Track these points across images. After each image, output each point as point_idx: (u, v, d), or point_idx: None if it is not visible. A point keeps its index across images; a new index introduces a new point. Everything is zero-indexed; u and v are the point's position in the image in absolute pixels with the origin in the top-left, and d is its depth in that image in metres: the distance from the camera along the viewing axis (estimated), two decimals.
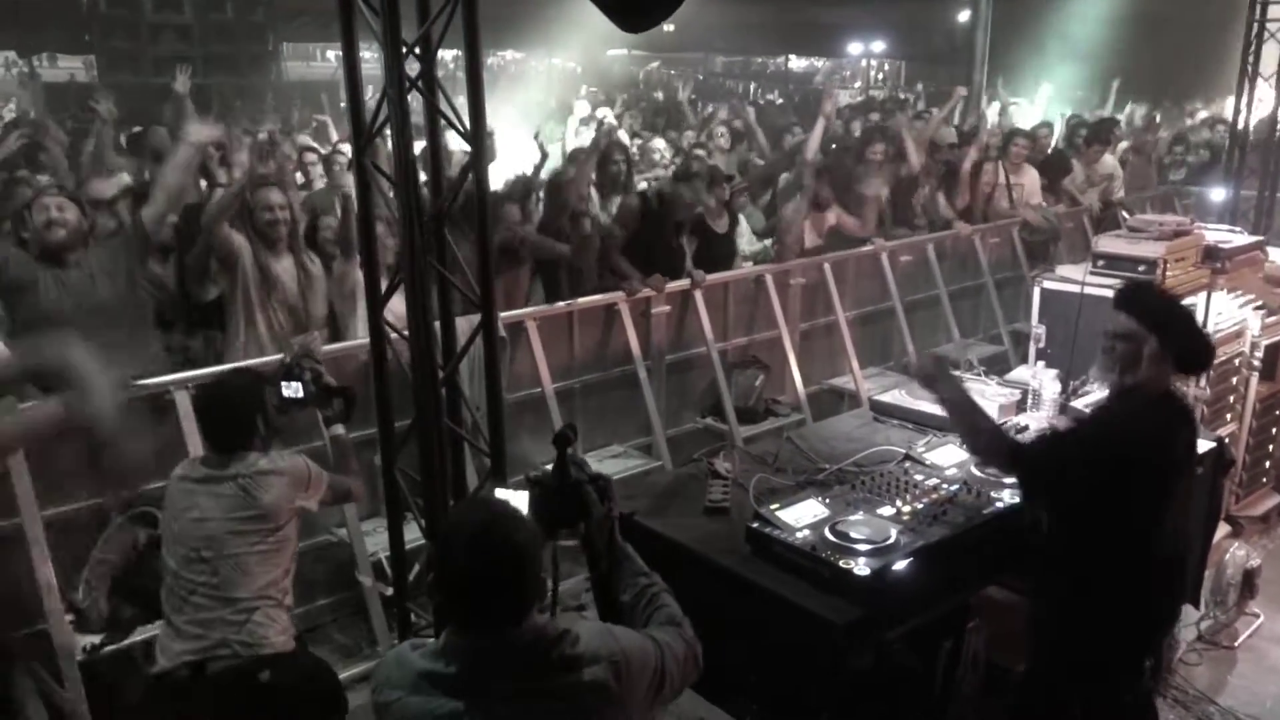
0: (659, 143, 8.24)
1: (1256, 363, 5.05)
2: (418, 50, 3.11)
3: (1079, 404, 3.97)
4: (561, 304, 5.24)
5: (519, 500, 2.33)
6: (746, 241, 6.59)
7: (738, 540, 3.05)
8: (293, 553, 3.03)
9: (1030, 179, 7.89)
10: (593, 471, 2.31)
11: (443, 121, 3.19)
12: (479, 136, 3.19)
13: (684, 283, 5.67)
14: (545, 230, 5.44)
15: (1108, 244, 4.66)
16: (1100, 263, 4.58)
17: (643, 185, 6.78)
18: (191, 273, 4.82)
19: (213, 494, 2.95)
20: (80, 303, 4.06)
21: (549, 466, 2.31)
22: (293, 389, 3.17)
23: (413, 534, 3.81)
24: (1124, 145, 9.57)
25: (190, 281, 4.85)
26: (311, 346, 4.26)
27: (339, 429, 3.37)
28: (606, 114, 9.80)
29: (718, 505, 3.30)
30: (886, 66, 22.93)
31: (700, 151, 7.89)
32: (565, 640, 1.90)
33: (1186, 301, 4.55)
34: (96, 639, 3.64)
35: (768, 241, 6.73)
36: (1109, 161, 8.55)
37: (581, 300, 5.31)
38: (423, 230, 3.18)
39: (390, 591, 3.99)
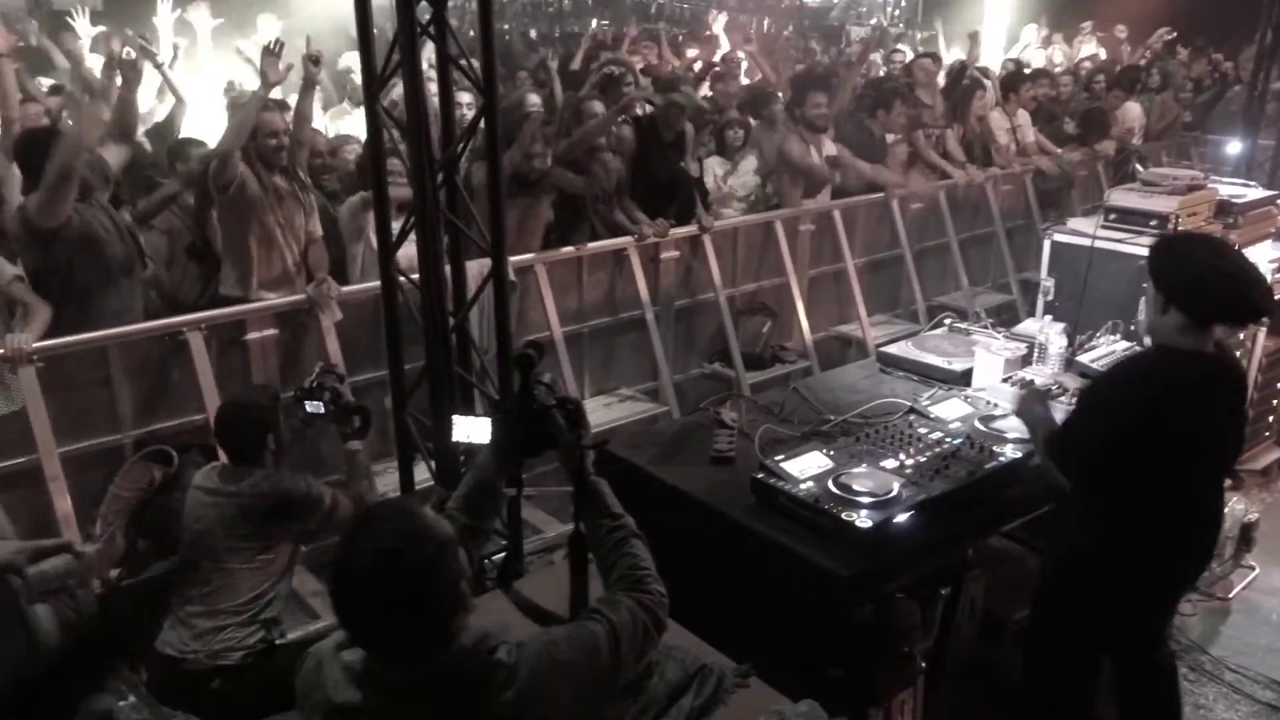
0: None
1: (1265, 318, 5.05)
2: None
3: (1085, 358, 3.99)
4: (570, 249, 5.24)
5: (482, 428, 2.20)
6: (742, 183, 6.53)
7: (743, 490, 3.10)
8: (282, 569, 3.17)
9: (1024, 120, 7.79)
10: (562, 395, 2.15)
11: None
12: (491, 84, 3.18)
13: (693, 228, 5.67)
14: (563, 163, 5.30)
15: (1120, 198, 4.62)
16: (1112, 216, 4.55)
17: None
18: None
19: (217, 507, 3.09)
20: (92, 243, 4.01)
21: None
22: (314, 406, 3.30)
23: (422, 475, 3.89)
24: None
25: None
26: (324, 292, 4.33)
27: (356, 444, 3.45)
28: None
29: (723, 455, 3.34)
30: (904, 2, 22.43)
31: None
32: (496, 681, 1.71)
33: None
34: (113, 573, 3.74)
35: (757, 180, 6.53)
36: (1133, 110, 8.43)
37: (591, 245, 5.31)
38: (434, 178, 3.18)
39: None
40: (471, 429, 2.27)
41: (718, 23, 10.97)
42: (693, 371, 5.95)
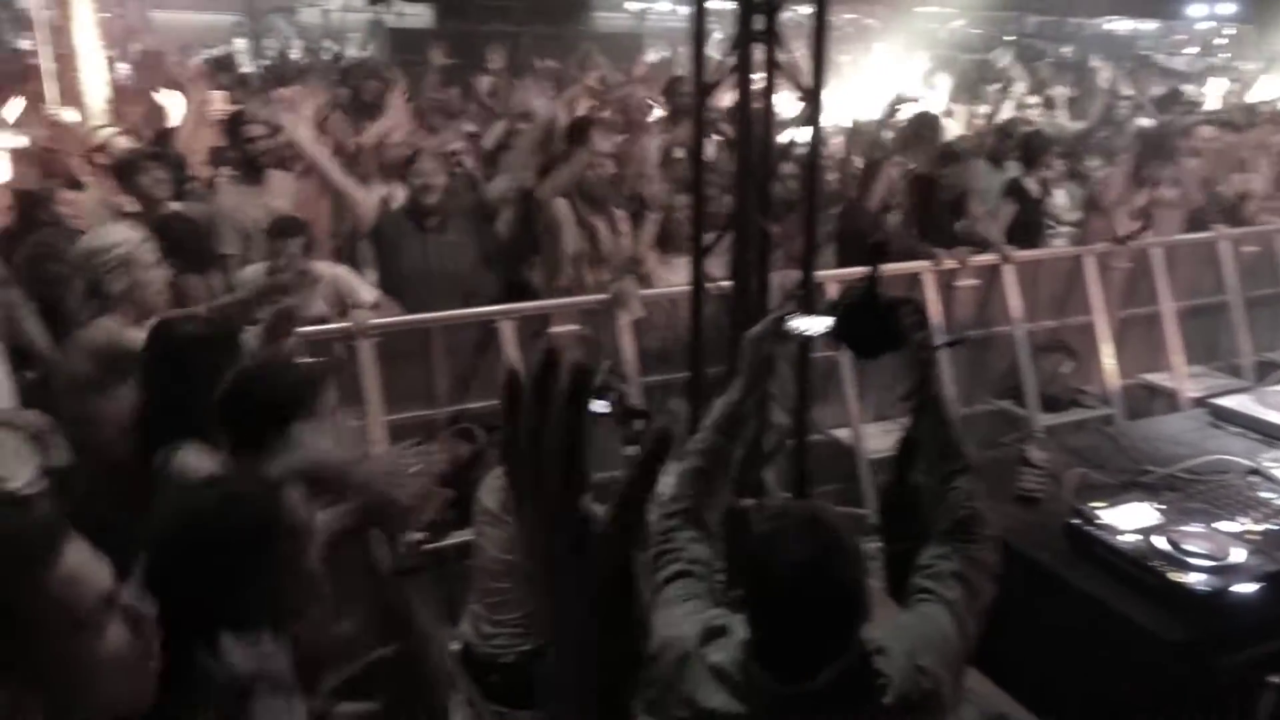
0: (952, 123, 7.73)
1: None
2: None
3: None
4: (864, 268, 5.12)
5: (820, 325, 2.14)
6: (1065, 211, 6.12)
7: (1051, 534, 2.89)
8: None
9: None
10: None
11: None
12: (818, 91, 3.16)
13: (993, 257, 5.39)
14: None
15: None
16: None
17: None
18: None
19: (494, 527, 3.26)
20: (442, 268, 4.37)
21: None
22: (600, 405, 3.34)
23: None
24: None
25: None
26: (626, 290, 4.48)
27: (633, 450, 3.51)
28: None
29: (1030, 495, 3.14)
30: (1234, 31, 20.34)
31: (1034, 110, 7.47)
32: (876, 686, 1.66)
33: None
34: (419, 535, 4.04)
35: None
36: None
37: (887, 267, 5.16)
38: (754, 186, 3.21)
39: None
40: (809, 323, 2.18)
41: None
42: (979, 406, 5.64)
